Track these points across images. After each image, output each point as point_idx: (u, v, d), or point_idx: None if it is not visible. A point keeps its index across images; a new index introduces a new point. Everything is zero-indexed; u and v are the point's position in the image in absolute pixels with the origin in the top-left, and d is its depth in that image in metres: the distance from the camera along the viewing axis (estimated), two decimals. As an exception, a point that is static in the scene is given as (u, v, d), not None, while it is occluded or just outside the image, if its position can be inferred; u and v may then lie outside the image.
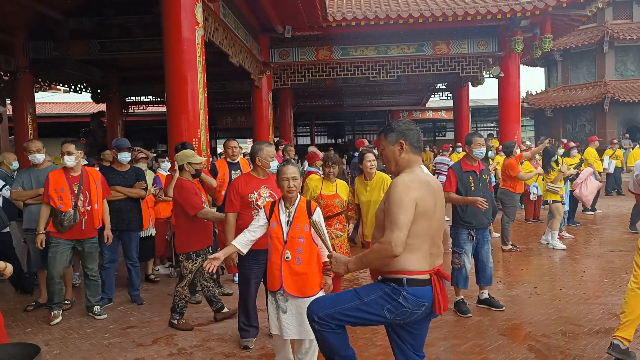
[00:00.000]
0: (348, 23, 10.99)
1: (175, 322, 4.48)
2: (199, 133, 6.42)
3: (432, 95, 22.30)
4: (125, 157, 5.28)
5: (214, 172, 5.94)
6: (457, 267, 4.68)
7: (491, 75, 12.89)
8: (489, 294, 4.86)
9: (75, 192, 4.67)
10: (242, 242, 3.34)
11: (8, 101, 12.07)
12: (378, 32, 11.79)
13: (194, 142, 6.03)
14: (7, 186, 5.55)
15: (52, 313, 4.73)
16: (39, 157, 5.08)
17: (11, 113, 11.31)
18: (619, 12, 20.48)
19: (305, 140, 28.70)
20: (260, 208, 3.62)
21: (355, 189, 5.07)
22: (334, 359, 2.59)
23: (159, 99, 18.11)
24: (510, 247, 7.24)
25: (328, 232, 4.22)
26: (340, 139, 29.89)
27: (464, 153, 4.96)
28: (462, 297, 4.75)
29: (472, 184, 4.63)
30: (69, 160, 4.67)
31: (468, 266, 4.68)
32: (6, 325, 4.69)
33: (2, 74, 10.46)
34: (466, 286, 4.70)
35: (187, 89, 6.32)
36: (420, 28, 11.55)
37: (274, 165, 4.02)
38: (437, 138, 27.87)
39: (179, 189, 4.39)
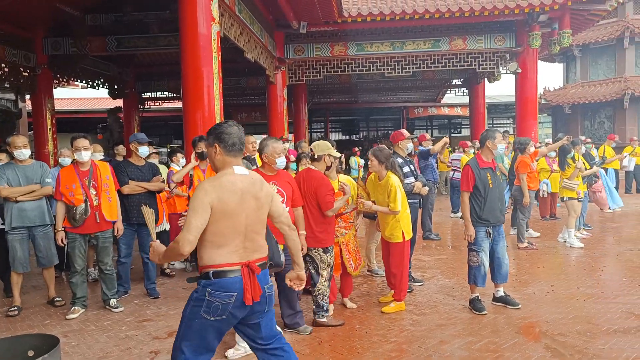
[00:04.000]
0: (363, 18, 10.93)
1: (325, 319, 4.32)
2: (214, 128, 6.45)
3: (448, 92, 22.09)
4: (145, 151, 5.36)
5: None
6: (475, 265, 4.63)
7: (508, 71, 12.71)
8: (504, 292, 4.81)
9: (87, 185, 4.73)
10: None
11: (27, 97, 12.26)
12: (393, 27, 11.71)
13: (209, 138, 6.05)
14: None
15: (73, 308, 4.81)
16: (25, 153, 4.91)
17: (30, 108, 11.48)
18: (640, 7, 20.07)
19: (320, 137, 28.69)
20: None
21: (368, 187, 5.06)
22: None
23: (174, 95, 18.21)
24: (526, 245, 7.16)
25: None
26: (354, 135, 29.84)
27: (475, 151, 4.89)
28: (478, 294, 4.71)
29: (490, 181, 4.59)
30: (86, 155, 4.74)
31: (487, 264, 4.64)
32: (26, 316, 4.82)
33: (22, 69, 10.62)
34: (484, 284, 4.66)
35: (202, 84, 6.35)
36: (437, 23, 11.46)
37: (280, 161, 3.96)
38: (452, 135, 27.62)
39: (320, 182, 4.20)
